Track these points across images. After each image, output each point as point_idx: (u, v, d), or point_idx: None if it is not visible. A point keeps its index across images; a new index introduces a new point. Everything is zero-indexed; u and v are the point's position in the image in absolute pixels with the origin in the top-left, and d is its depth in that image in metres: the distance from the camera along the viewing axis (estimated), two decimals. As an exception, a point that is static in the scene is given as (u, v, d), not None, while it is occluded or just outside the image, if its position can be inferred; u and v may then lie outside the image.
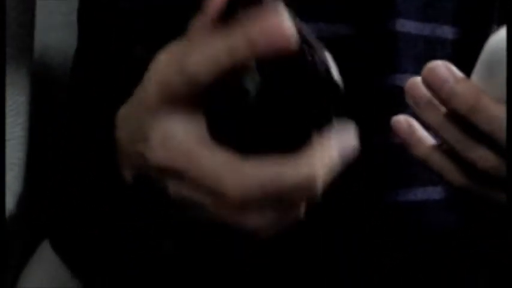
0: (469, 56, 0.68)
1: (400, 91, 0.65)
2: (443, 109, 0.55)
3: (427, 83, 0.54)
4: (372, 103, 0.65)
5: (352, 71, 0.65)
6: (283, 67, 0.45)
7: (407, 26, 0.65)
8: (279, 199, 0.46)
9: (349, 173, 0.65)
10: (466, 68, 0.68)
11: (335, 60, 0.63)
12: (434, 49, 0.67)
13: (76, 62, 0.71)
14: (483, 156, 0.54)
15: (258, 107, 0.45)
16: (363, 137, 0.65)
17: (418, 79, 0.56)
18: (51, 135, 0.78)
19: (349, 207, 0.65)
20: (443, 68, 0.54)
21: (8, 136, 0.74)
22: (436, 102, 0.55)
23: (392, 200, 0.65)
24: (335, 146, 0.47)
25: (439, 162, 0.57)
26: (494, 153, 0.54)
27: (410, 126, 0.58)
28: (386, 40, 0.65)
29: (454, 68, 0.54)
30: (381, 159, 0.65)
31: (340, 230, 0.65)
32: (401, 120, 0.58)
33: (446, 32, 0.67)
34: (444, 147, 0.56)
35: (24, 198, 0.78)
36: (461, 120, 0.54)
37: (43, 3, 0.84)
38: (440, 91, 0.54)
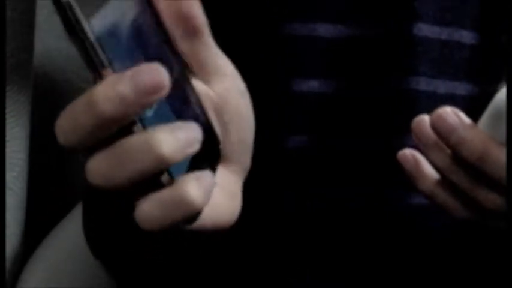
0: (486, 61, 0.68)
1: (417, 94, 0.65)
2: (449, 151, 0.55)
3: (436, 129, 0.54)
4: (389, 105, 0.65)
5: (369, 74, 0.65)
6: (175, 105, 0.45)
7: (425, 29, 0.66)
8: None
9: (367, 174, 0.65)
10: (482, 73, 0.68)
11: (354, 63, 0.63)
12: (452, 53, 0.67)
13: None
14: (490, 199, 0.54)
15: None
16: (380, 138, 0.65)
17: (424, 118, 0.56)
18: (52, 135, 0.78)
19: (363, 207, 0.65)
20: (452, 115, 0.54)
21: (8, 136, 0.74)
22: (443, 144, 0.55)
23: (406, 202, 0.66)
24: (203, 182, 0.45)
25: (444, 197, 0.57)
26: (501, 195, 0.54)
27: (415, 160, 0.57)
28: (404, 43, 0.65)
29: (462, 115, 0.54)
30: (397, 159, 0.65)
31: (351, 230, 0.65)
32: (407, 154, 0.58)
33: (464, 36, 0.67)
34: (449, 183, 0.56)
35: (24, 199, 0.78)
36: (469, 164, 0.54)
37: (43, 3, 0.84)
38: (449, 138, 0.54)
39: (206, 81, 0.49)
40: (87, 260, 0.77)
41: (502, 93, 0.54)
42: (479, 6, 0.68)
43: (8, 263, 0.77)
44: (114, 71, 0.41)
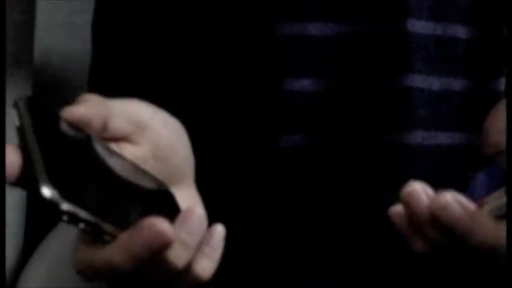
0: (481, 56, 0.68)
1: (412, 91, 0.65)
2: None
3: (437, 220, 0.52)
4: (384, 103, 0.65)
5: (362, 72, 0.65)
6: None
7: (418, 26, 0.65)
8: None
9: (365, 174, 0.65)
10: (478, 68, 0.68)
11: (346, 61, 0.63)
12: (446, 49, 0.67)
13: (93, 76, 0.72)
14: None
15: None
16: (375, 137, 0.65)
17: (417, 190, 0.53)
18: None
19: (363, 207, 0.65)
20: (456, 206, 0.51)
21: (8, 136, 0.74)
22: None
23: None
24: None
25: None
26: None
27: (406, 219, 0.54)
28: (397, 40, 0.65)
29: (465, 201, 0.52)
30: (393, 158, 0.65)
31: (351, 230, 0.66)
32: (398, 211, 0.54)
33: (459, 31, 0.67)
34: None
35: (24, 199, 0.78)
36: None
37: (43, 3, 0.84)
38: (456, 229, 0.51)
39: (130, 142, 0.54)
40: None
41: None
42: (472, 0, 0.67)
43: (8, 263, 0.77)
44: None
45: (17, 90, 0.75)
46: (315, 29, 0.64)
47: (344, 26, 0.65)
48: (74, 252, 0.49)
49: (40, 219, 0.84)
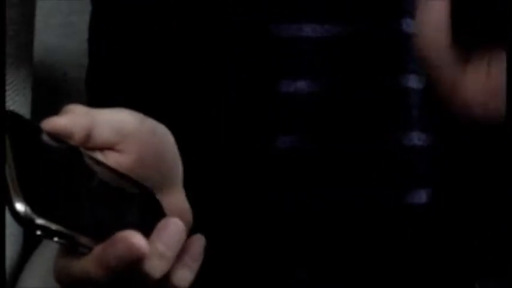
0: None
1: (408, 92, 0.65)
2: None
3: None
4: (380, 104, 0.65)
5: (359, 72, 0.65)
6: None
7: (413, 25, 0.65)
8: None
9: (364, 174, 0.65)
10: None
11: (342, 62, 0.64)
12: None
13: (90, 80, 0.72)
14: None
15: None
16: (373, 138, 0.65)
17: None
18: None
19: (363, 208, 0.65)
20: None
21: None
22: None
23: (400, 202, 0.66)
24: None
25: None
26: None
27: None
28: (393, 40, 0.65)
29: None
30: (392, 158, 0.65)
31: (351, 231, 0.66)
32: None
33: None
34: None
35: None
36: None
37: (43, 3, 0.84)
38: None
39: (115, 151, 0.54)
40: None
41: None
42: None
43: (8, 263, 0.77)
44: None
45: (17, 90, 0.75)
46: (310, 30, 0.64)
47: (339, 27, 0.65)
48: (54, 263, 0.51)
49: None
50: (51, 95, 0.88)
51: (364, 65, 0.65)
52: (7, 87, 0.73)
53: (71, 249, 0.49)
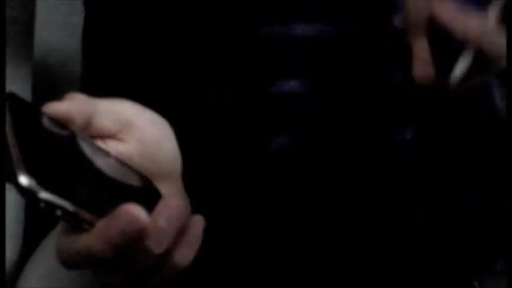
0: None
1: (404, 87, 0.65)
2: None
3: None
4: (375, 103, 0.65)
5: (352, 71, 0.65)
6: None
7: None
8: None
9: (363, 175, 0.65)
10: None
11: (335, 61, 0.64)
12: None
13: (86, 79, 0.72)
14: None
15: None
16: (370, 138, 0.65)
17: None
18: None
19: (363, 209, 0.65)
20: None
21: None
22: None
23: (405, 203, 0.66)
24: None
25: None
26: None
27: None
28: (386, 37, 0.65)
29: None
30: (386, 156, 0.65)
31: (351, 232, 0.66)
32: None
33: None
34: None
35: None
36: None
37: (43, 3, 0.84)
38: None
39: (116, 139, 0.54)
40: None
41: None
42: None
43: (8, 263, 0.77)
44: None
45: (17, 90, 0.75)
46: (302, 30, 0.64)
47: (332, 26, 0.65)
48: (56, 243, 0.50)
49: (39, 219, 0.84)
50: (51, 95, 0.88)
51: (356, 63, 0.65)
52: (7, 87, 0.74)
53: (73, 225, 0.49)
